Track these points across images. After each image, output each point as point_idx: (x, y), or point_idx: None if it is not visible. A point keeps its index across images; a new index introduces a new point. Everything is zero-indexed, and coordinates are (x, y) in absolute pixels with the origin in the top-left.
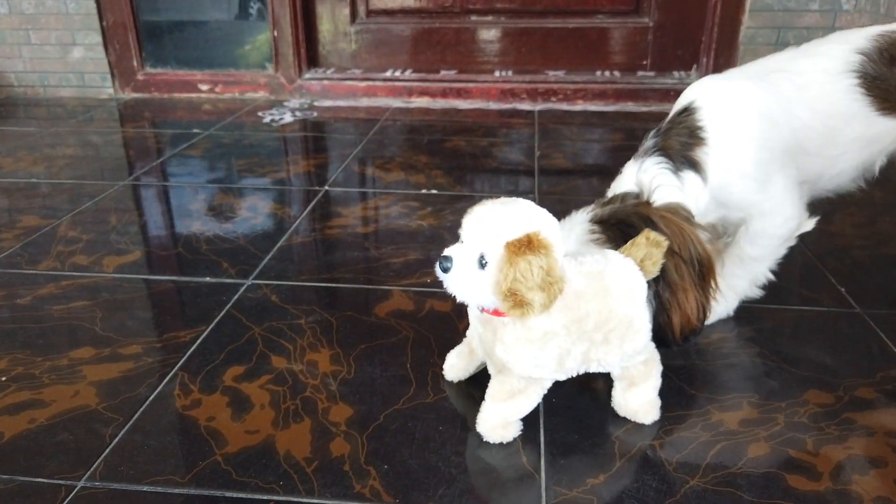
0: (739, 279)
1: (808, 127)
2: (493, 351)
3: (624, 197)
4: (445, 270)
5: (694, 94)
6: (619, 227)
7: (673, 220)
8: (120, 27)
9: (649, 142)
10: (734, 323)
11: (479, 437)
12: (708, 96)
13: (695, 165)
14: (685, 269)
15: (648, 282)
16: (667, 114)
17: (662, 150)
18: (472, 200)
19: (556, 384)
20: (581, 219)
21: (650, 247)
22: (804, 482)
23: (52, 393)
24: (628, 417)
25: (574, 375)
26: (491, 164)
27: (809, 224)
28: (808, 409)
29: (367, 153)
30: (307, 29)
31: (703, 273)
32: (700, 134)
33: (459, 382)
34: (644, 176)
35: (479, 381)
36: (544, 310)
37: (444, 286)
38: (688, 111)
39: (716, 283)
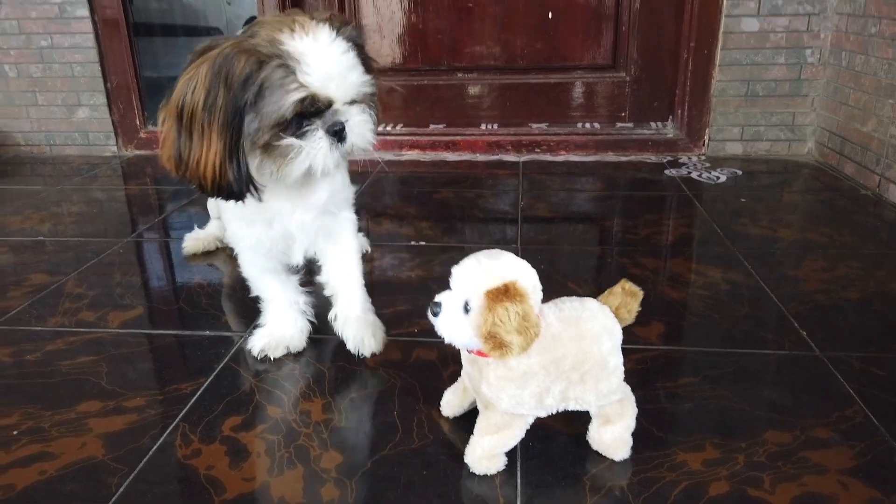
0: None
1: None
2: (479, 388)
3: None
4: (435, 314)
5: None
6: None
7: None
8: (123, 88)
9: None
10: (700, 367)
11: (460, 479)
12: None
13: None
14: None
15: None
16: (645, 162)
17: None
18: (459, 251)
19: (534, 431)
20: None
21: (626, 296)
22: None
23: (60, 445)
24: (601, 452)
25: (554, 412)
26: (478, 215)
27: None
28: (766, 448)
29: (360, 206)
30: None
31: None
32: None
33: (444, 427)
34: None
35: (462, 426)
36: (522, 351)
37: (435, 328)
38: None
39: None
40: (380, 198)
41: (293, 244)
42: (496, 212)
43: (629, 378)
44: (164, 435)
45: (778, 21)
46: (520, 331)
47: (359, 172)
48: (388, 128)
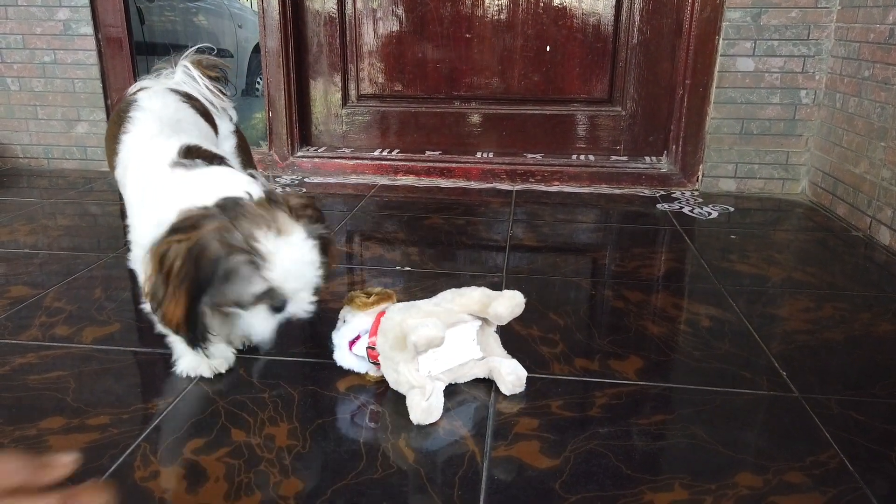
0: None
1: None
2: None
3: None
4: None
5: None
6: None
7: None
8: None
9: None
10: (675, 404)
11: None
12: None
13: None
14: None
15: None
16: (638, 196)
17: None
18: (445, 277)
19: (499, 463)
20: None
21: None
22: None
23: None
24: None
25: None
26: (466, 242)
27: None
28: (736, 491)
29: (350, 229)
30: (301, 110)
31: None
32: None
33: (409, 458)
34: None
35: (429, 457)
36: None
37: None
38: None
39: None
40: (370, 222)
41: None
42: (485, 239)
43: (602, 412)
44: (124, 455)
45: (773, 61)
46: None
47: (353, 196)
48: (385, 153)
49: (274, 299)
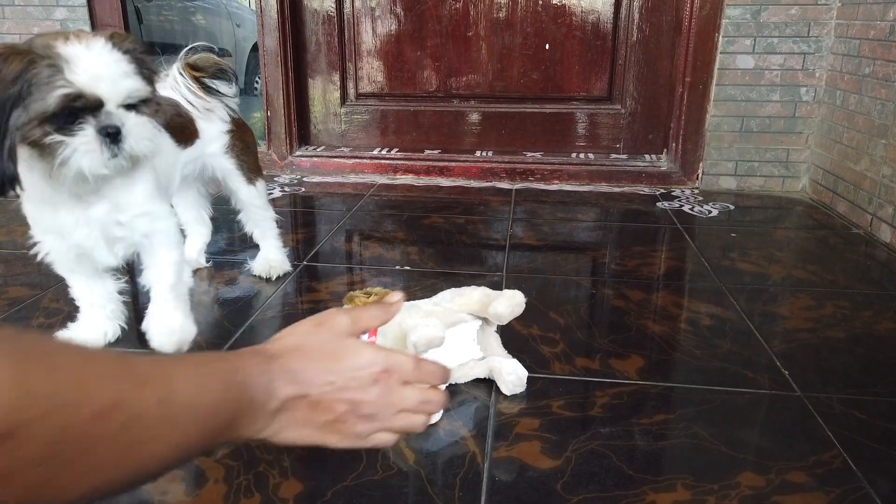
0: None
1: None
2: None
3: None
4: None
5: None
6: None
7: None
8: None
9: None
10: (677, 404)
11: None
12: None
13: None
14: None
15: None
16: (638, 194)
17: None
18: (443, 277)
19: (501, 464)
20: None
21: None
22: None
23: None
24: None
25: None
26: (466, 241)
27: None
28: (738, 491)
29: (349, 229)
30: (299, 109)
31: None
32: None
33: (410, 459)
34: None
35: (429, 458)
36: None
37: None
38: None
39: None
40: (370, 221)
41: (92, 254)
42: (485, 238)
43: (604, 412)
44: None
45: (773, 59)
46: None
47: (352, 195)
48: (384, 152)
49: (97, 117)
